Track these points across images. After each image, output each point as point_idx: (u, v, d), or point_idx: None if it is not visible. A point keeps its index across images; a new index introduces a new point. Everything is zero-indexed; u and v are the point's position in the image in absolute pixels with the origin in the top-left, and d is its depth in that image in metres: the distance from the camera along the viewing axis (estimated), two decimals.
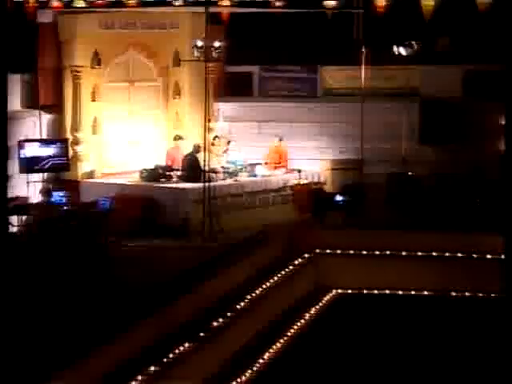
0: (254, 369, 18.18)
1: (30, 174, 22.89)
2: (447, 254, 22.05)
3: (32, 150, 22.98)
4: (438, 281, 21.81)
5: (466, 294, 21.67)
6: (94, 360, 15.36)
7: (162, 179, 23.61)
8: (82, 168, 24.09)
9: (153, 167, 23.85)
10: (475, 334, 20.22)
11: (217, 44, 23.66)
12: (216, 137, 24.97)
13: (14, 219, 20.91)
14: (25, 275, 16.87)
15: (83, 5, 24.31)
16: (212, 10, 23.46)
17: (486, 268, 21.65)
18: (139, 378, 15.81)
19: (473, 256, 21.98)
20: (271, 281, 20.72)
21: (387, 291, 21.94)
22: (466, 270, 21.84)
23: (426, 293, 21.85)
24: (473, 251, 21.99)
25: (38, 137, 23.66)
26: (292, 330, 20.05)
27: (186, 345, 16.97)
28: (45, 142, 23.55)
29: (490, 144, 24.60)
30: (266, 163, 24.87)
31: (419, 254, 22.15)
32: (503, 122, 24.33)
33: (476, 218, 22.64)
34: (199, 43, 23.29)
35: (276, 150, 25.07)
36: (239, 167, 24.24)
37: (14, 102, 23.91)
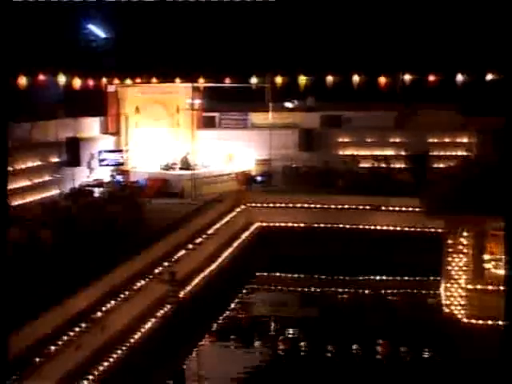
0: (220, 260, 18.54)
1: (104, 167, 22.70)
2: (312, 205, 21.83)
3: (105, 155, 22.81)
4: (309, 220, 21.66)
5: (322, 225, 21.46)
6: (134, 261, 14.84)
7: (171, 169, 23.28)
8: (130, 164, 23.78)
9: (165, 163, 23.53)
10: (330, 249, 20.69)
11: (197, 101, 24.15)
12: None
13: (96, 190, 20.53)
14: (99, 217, 16.22)
15: (130, 82, 24.47)
16: (195, 84, 23.80)
17: (335, 213, 21.54)
18: (168, 262, 15.54)
19: (326, 206, 21.69)
20: (226, 219, 20.73)
21: (282, 224, 21.87)
22: (318, 214, 21.63)
23: (301, 225, 21.70)
24: (327, 203, 21.73)
25: (108, 148, 23.50)
26: (237, 242, 20.47)
27: (183, 251, 16.96)
28: (111, 151, 23.41)
29: (333, 150, 24.60)
30: (222, 161, 24.54)
31: (298, 205, 21.94)
32: (339, 140, 24.71)
33: (330, 188, 22.41)
34: (189, 101, 23.76)
35: (228, 154, 24.70)
36: (209, 163, 23.92)
37: (96, 131, 24.04)
